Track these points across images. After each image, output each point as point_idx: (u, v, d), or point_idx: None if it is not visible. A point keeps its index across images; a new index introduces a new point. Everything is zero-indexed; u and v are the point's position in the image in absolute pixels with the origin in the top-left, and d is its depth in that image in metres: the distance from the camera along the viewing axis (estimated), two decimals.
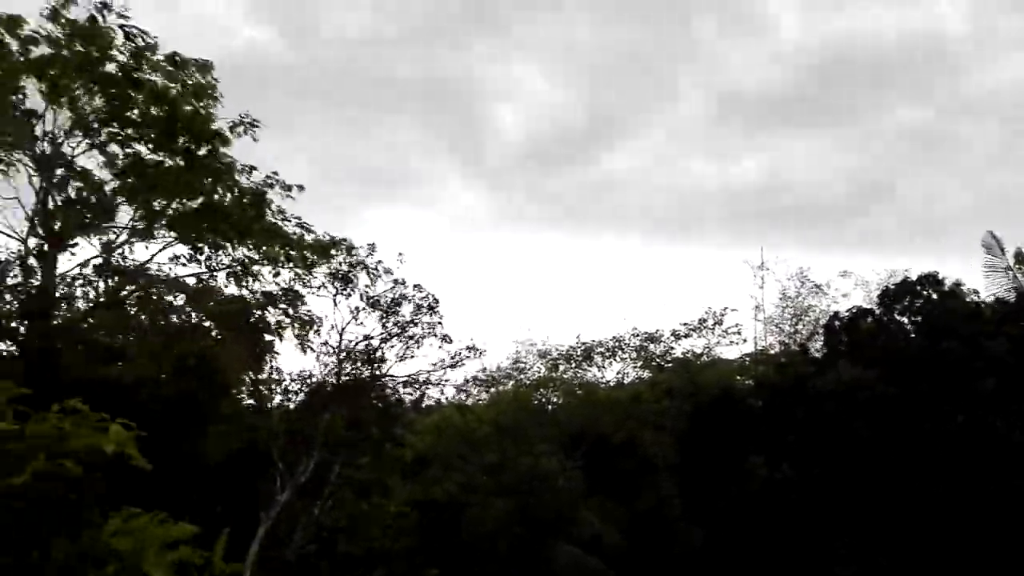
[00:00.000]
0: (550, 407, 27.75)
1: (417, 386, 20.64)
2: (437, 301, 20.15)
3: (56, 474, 4.66)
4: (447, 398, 24.89)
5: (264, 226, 20.01)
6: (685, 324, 28.84)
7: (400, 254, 20.52)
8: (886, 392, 22.96)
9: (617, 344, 28.70)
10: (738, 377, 29.15)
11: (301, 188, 20.48)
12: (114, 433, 4.76)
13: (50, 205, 19.14)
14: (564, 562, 22.47)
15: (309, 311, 20.13)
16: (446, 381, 20.78)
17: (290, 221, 20.49)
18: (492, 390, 27.22)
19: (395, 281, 20.19)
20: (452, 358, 20.38)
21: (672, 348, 29.08)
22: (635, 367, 29.30)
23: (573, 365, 28.22)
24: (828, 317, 27.78)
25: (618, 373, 29.33)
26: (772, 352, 30.12)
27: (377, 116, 60.10)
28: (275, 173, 20.30)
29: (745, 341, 29.82)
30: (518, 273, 56.24)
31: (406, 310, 19.85)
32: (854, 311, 26.55)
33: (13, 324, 19.20)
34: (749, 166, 61.87)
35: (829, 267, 49.79)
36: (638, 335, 28.87)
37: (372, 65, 59.87)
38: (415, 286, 20.16)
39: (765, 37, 61.09)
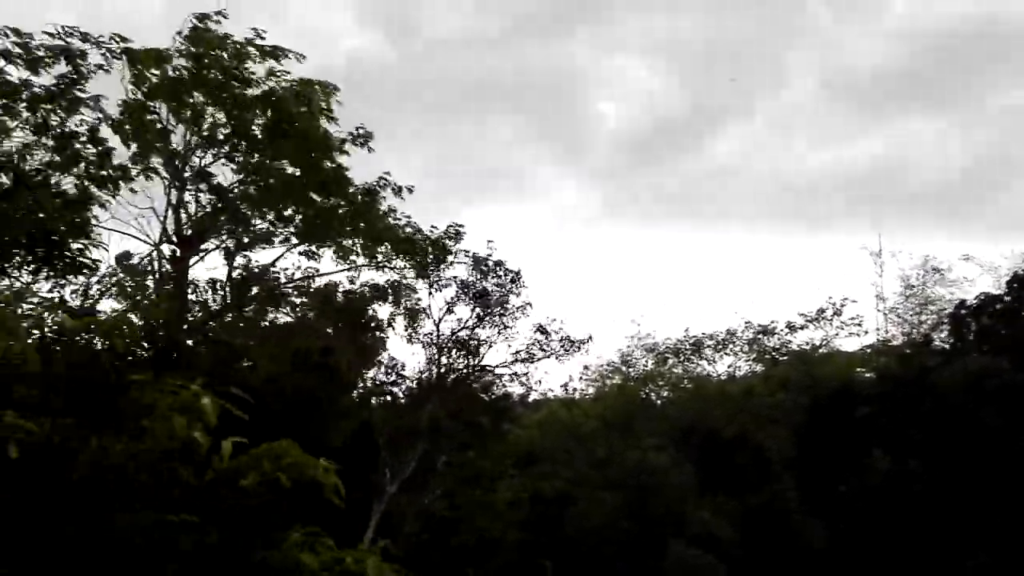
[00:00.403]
0: (658, 401, 27.54)
1: (517, 375, 20.99)
2: (520, 275, 20.65)
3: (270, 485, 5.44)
4: (553, 393, 25.20)
5: (376, 226, 20.97)
6: (802, 315, 28.03)
7: (490, 241, 21.18)
8: (1016, 379, 21.59)
9: (728, 337, 28.20)
10: (858, 369, 28.01)
11: (411, 190, 21.36)
12: (322, 465, 5.56)
13: (181, 214, 20.66)
14: (676, 559, 22.23)
15: (418, 300, 20.94)
16: (538, 360, 20.97)
17: (400, 220, 21.45)
18: (598, 385, 27.28)
19: (483, 267, 20.69)
20: (549, 342, 20.67)
21: (787, 340, 28.30)
22: (747, 360, 28.69)
23: (681, 359, 27.92)
24: (954, 306, 26.31)
25: (729, 367, 28.82)
26: (894, 343, 28.75)
27: (480, 115, 61.08)
28: (387, 173, 21.25)
29: (867, 332, 28.66)
30: (624, 266, 55.81)
31: (494, 292, 20.32)
32: (982, 298, 25.05)
33: (151, 324, 20.81)
34: (863, 149, 59.12)
35: (949, 252, 47.00)
36: (750, 327, 28.27)
37: (474, 64, 60.88)
38: (496, 263, 20.66)
39: (878, 16, 58.29)
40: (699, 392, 26.56)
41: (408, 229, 21.28)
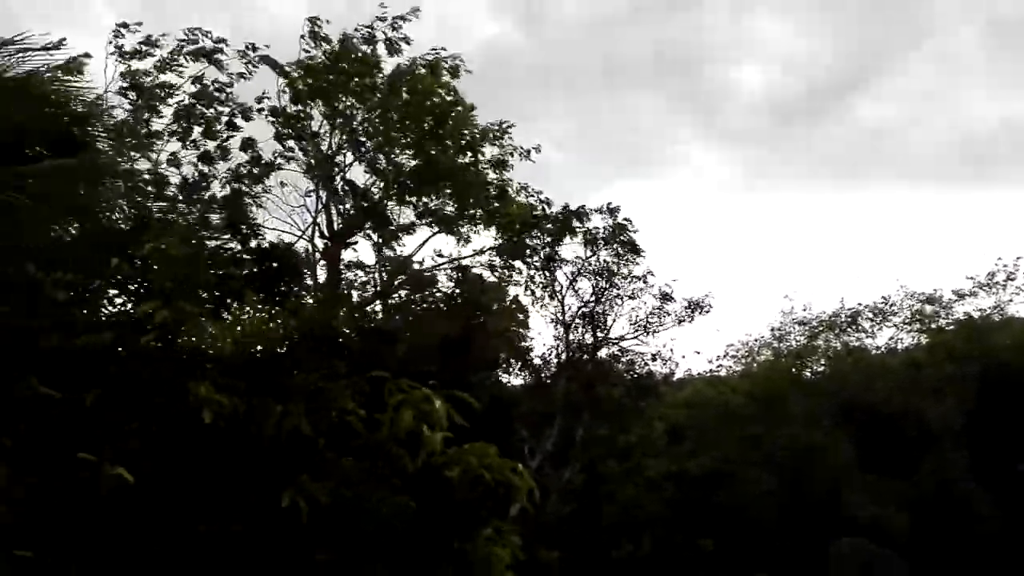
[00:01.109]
0: (812, 376, 26.44)
1: (656, 355, 20.79)
2: (638, 246, 20.42)
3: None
4: (697, 372, 24.78)
5: (509, 204, 21.43)
6: (971, 279, 26.08)
7: (613, 209, 21.07)
8: None
9: (888, 307, 26.65)
10: None
11: (538, 149, 21.61)
12: (524, 476, 6.08)
13: (333, 210, 21.77)
14: (846, 550, 21.19)
15: (554, 280, 21.17)
16: (663, 328, 20.66)
17: (533, 196, 21.79)
18: (747, 361, 26.52)
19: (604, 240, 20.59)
20: (671, 308, 20.37)
21: (954, 308, 26.44)
22: (909, 331, 27.01)
23: (836, 332, 26.63)
24: None
25: (890, 339, 27.23)
26: None
27: (615, 92, 59.91)
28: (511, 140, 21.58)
29: None
30: (774, 236, 53.56)
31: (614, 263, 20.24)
32: None
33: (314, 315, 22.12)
34: None
35: None
36: (912, 296, 26.59)
37: (606, 43, 59.65)
38: (617, 225, 20.41)
39: None
40: (857, 366, 25.29)
41: (536, 204, 21.64)
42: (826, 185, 58.10)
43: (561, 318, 20.28)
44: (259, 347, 6.81)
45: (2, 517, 5.43)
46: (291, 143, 21.26)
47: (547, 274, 21.25)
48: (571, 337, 19.99)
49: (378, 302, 22.91)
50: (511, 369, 21.41)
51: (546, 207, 21.40)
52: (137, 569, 6.03)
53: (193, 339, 6.25)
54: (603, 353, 20.09)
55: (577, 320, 20.07)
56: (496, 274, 21.83)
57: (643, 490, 21.27)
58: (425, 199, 21.87)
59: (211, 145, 20.38)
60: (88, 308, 6.94)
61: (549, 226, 21.38)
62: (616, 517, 20.47)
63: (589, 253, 20.64)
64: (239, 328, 6.59)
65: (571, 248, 21.33)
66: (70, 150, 9.76)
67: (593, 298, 20.17)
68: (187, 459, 6.23)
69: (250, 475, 6.64)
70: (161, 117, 19.79)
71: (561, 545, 18.38)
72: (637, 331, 20.40)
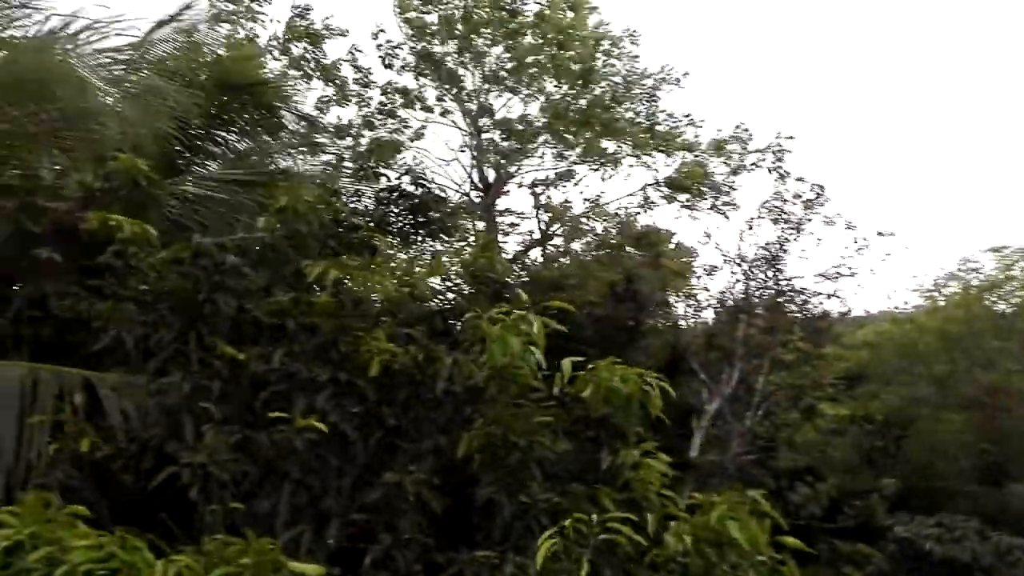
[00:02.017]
0: (1008, 311, 24.14)
1: (832, 294, 19.70)
2: (823, 189, 19.30)
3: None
4: (878, 310, 23.30)
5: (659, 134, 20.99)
6: None
7: (777, 135, 20.18)
8: None
9: None
10: None
11: (687, 75, 20.98)
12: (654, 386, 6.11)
13: (485, 156, 21.95)
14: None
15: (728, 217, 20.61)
16: (849, 274, 19.49)
17: (680, 121, 21.21)
18: (934, 297, 24.59)
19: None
20: (858, 251, 19.16)
21: None
22: None
23: None
24: None
25: None
26: None
27: None
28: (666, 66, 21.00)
29: None
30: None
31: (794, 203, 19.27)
32: None
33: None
34: None
35: None
36: None
37: None
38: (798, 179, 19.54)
39: None
40: None
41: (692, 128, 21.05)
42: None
43: (738, 258, 19.59)
44: (422, 295, 6.94)
45: (222, 469, 5.83)
46: (435, 92, 21.48)
47: (721, 209, 20.67)
48: (749, 279, 19.26)
49: (538, 248, 23.05)
50: (685, 312, 21.07)
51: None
52: (332, 517, 6.40)
53: (361, 291, 6.42)
54: (781, 295, 19.24)
55: (756, 261, 19.30)
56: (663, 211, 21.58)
57: (824, 434, 20.43)
58: (581, 138, 21.66)
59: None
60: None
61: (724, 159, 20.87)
62: (795, 462, 19.81)
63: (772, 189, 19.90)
64: (403, 276, 6.75)
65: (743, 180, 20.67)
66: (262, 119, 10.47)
67: (774, 238, 19.32)
68: (368, 410, 6.46)
69: (427, 423, 6.83)
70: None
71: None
72: (821, 273, 19.45)
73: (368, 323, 6.37)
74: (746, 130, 21.17)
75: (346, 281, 6.37)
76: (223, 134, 9.91)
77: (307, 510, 6.46)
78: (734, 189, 21.14)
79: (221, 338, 6.41)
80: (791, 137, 20.64)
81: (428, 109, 21.63)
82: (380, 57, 20.86)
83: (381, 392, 6.48)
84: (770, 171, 20.42)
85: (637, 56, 21.27)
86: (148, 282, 6.39)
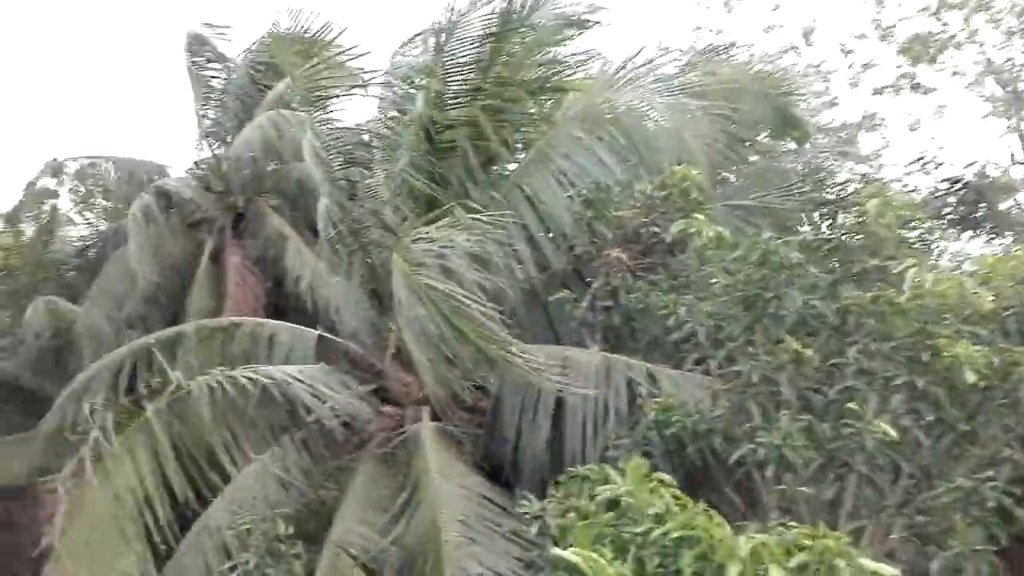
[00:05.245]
0: None
1: None
2: None
3: None
4: None
5: None
6: None
7: None
8: None
9: None
10: None
11: None
12: None
13: None
14: None
15: None
16: None
17: None
18: None
19: None
20: None
21: None
22: None
23: None
24: None
25: None
26: None
27: None
28: None
29: None
30: None
31: None
32: None
33: None
34: None
35: None
36: None
37: None
38: None
39: None
40: None
41: None
42: None
43: None
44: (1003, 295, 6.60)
45: (796, 453, 6.25)
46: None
47: None
48: None
49: None
50: None
51: None
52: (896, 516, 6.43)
53: (941, 290, 6.32)
54: None
55: None
56: None
57: None
58: None
59: None
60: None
61: None
62: None
63: None
64: (984, 272, 6.50)
65: None
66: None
67: None
68: (941, 417, 6.35)
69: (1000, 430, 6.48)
70: None
71: None
72: None
73: (948, 327, 6.25)
74: None
75: (922, 281, 6.33)
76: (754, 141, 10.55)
77: (868, 505, 6.58)
78: None
79: (786, 332, 6.83)
80: None
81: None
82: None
83: (953, 396, 6.34)
84: None
85: None
86: (718, 279, 7.08)
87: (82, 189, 14.90)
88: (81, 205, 15.04)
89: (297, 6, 12.40)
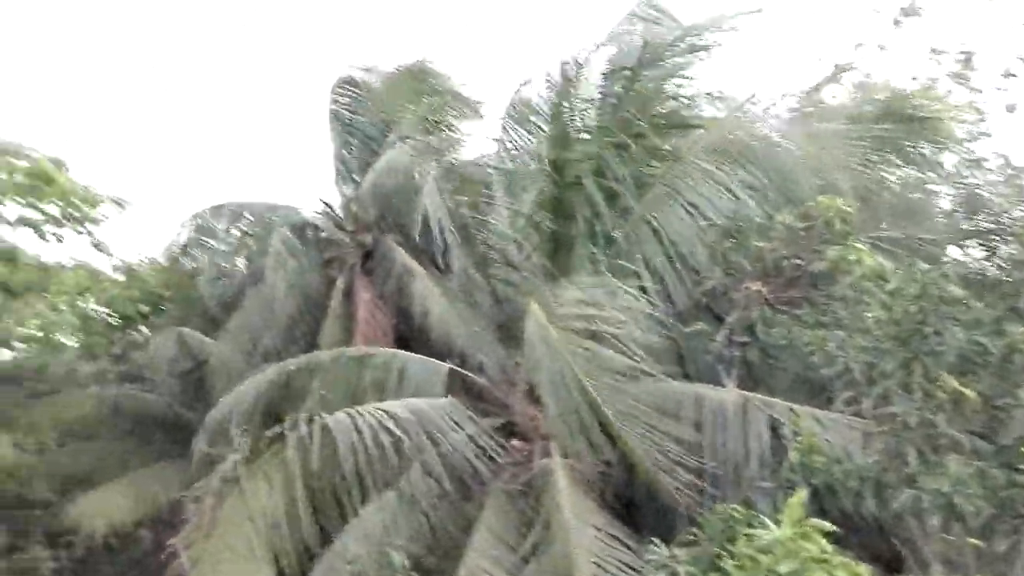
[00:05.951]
0: None
1: None
2: None
3: None
4: None
5: None
6: None
7: None
8: None
9: None
10: None
11: None
12: None
13: None
14: None
15: None
16: None
17: None
18: None
19: None
20: None
21: None
22: None
23: None
24: None
25: None
26: None
27: None
28: None
29: None
30: None
31: None
32: None
33: None
34: None
35: None
36: None
37: None
38: None
39: None
40: None
41: None
42: None
43: None
44: None
45: (967, 500, 5.79)
46: None
47: None
48: None
49: None
50: None
51: None
52: None
53: None
54: None
55: None
56: None
57: None
58: None
59: None
60: None
61: None
62: None
63: None
64: None
65: None
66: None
67: None
68: None
69: None
70: None
71: None
72: None
73: None
74: None
75: None
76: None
77: None
78: None
79: (945, 369, 6.37)
80: None
81: None
82: None
83: None
84: None
85: None
86: (874, 313, 6.68)
87: (233, 231, 15.65)
88: (229, 246, 15.78)
89: (419, 45, 12.72)
